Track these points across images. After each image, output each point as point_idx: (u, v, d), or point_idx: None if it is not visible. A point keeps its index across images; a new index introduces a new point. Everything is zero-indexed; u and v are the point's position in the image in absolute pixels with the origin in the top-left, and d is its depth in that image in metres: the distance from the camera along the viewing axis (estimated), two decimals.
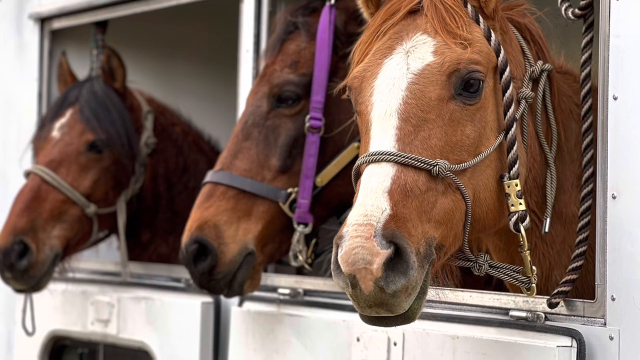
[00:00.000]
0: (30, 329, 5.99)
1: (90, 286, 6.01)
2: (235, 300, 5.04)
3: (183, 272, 5.33)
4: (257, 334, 4.82)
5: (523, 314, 3.82)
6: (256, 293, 4.84)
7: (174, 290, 5.58)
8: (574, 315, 3.72)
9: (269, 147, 4.65)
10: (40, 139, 5.96)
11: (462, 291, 4.05)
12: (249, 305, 4.97)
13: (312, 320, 4.62)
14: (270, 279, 4.99)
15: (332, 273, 3.24)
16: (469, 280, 4.01)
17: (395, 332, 4.15)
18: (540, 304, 3.80)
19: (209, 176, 4.66)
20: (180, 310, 5.39)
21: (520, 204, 3.57)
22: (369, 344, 4.28)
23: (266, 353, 4.77)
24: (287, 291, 4.85)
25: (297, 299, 4.82)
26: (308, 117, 4.62)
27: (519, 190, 3.57)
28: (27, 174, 5.82)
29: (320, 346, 4.54)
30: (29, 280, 5.58)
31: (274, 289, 4.92)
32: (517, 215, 3.58)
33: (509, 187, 3.57)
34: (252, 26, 5.27)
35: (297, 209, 4.59)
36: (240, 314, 4.96)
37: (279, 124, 4.69)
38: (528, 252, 3.64)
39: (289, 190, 4.62)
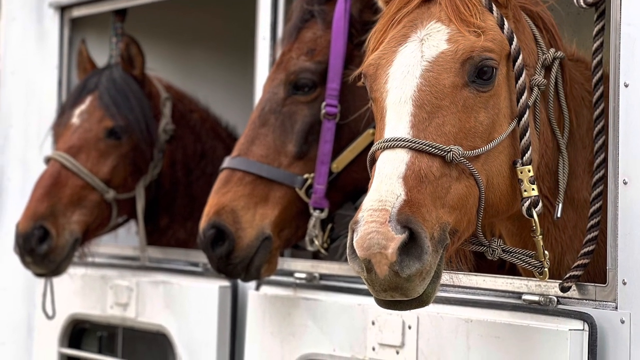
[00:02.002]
0: (50, 312, 6.02)
1: (109, 270, 6.04)
2: (252, 284, 5.07)
3: (201, 257, 5.35)
4: (274, 318, 4.86)
5: (536, 298, 3.84)
6: (273, 277, 4.86)
7: (192, 274, 5.60)
8: (586, 299, 3.74)
9: (285, 134, 4.67)
10: (60, 126, 5.98)
11: (475, 275, 4.07)
12: (265, 289, 5.00)
13: (328, 304, 4.64)
14: (286, 263, 5.02)
15: (348, 257, 3.27)
16: (483, 264, 4.00)
17: (409, 315, 4.17)
18: (552, 288, 3.82)
19: (227, 162, 4.68)
20: (198, 294, 5.41)
21: (533, 189, 3.59)
22: (384, 327, 4.30)
23: (282, 336, 4.80)
24: (303, 275, 4.87)
25: (313, 283, 4.84)
26: (324, 104, 4.63)
27: (531, 176, 3.58)
28: (47, 160, 5.84)
29: (336, 329, 4.56)
30: (49, 265, 5.60)
31: (290, 273, 4.95)
32: (529, 200, 3.59)
33: (521, 173, 3.58)
34: (268, 14, 5.29)
35: (313, 194, 4.61)
36: (257, 297, 4.99)
37: (295, 110, 4.71)
38: (540, 237, 3.65)
39: (305, 175, 4.64)
